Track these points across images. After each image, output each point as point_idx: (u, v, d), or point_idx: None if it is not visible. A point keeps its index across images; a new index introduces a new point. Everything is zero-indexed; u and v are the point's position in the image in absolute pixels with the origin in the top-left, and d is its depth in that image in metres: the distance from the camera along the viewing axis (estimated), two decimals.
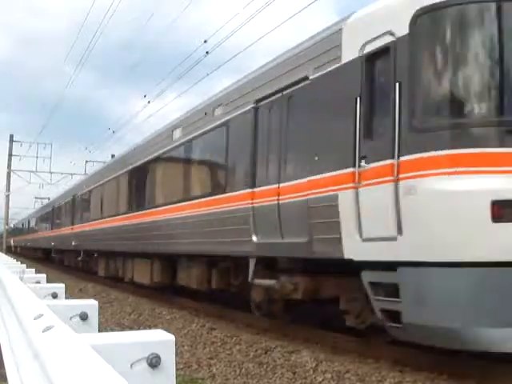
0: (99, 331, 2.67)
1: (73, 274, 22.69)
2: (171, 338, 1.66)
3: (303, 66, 6.69)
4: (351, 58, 5.81)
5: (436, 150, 4.87)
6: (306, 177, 6.35)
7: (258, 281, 7.35)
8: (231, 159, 8.48)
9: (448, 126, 5.04)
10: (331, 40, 6.27)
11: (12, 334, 3.02)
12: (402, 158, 5.02)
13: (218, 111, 8.98)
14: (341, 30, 6.13)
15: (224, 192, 8.35)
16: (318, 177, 6.12)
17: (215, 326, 8.88)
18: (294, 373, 5.96)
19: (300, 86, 6.75)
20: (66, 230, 22.00)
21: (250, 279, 7.43)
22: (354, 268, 5.60)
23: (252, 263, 7.37)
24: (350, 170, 5.59)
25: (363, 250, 5.46)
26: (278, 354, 6.68)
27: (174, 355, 1.64)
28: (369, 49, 5.60)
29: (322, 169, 6.07)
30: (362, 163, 5.44)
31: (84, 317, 2.62)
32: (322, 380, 5.67)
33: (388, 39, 5.35)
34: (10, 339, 3.09)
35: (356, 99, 5.59)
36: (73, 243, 19.93)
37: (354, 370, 5.78)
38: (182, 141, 10.38)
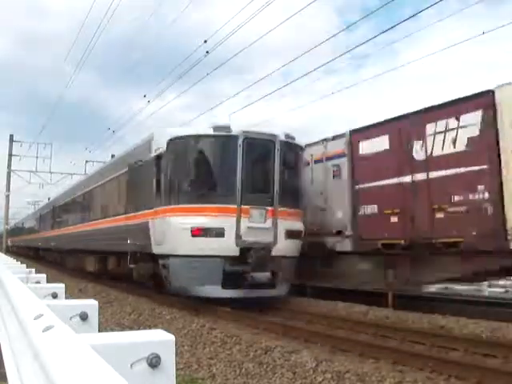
0: (99, 331, 2.66)
1: (73, 274, 22.71)
2: (171, 337, 1.66)
3: (142, 154, 12.26)
4: (152, 155, 11.36)
5: (171, 204, 10.50)
6: (140, 211, 11.96)
7: (131, 265, 12.60)
8: (120, 197, 14.35)
9: (174, 195, 10.58)
10: (148, 144, 11.87)
11: (12, 334, 3.02)
12: (163, 207, 10.61)
13: (113, 170, 15.62)
14: (150, 140, 11.76)
15: (115, 215, 14.37)
16: (143, 212, 11.73)
17: (215, 326, 8.88)
18: (294, 373, 5.96)
19: (139, 163, 12.49)
20: (47, 234, 27.96)
21: (128, 264, 12.62)
22: (157, 257, 11.01)
23: (129, 256, 12.55)
24: (150, 210, 11.17)
25: (157, 248, 10.81)
26: (278, 354, 6.68)
27: (174, 355, 1.64)
28: (157, 152, 11.09)
29: (144, 208, 11.62)
30: (154, 208, 11.02)
31: (84, 317, 2.61)
32: (322, 380, 5.67)
33: (162, 150, 10.83)
34: (10, 339, 3.09)
35: (153, 176, 11.14)
36: (52, 244, 25.81)
37: (354, 370, 5.78)
38: (101, 182, 16.97)
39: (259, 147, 10.48)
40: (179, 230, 9.97)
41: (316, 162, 12.79)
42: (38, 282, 4.74)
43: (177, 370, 1.68)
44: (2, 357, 3.12)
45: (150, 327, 9.06)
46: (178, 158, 10.70)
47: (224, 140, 10.36)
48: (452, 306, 10.04)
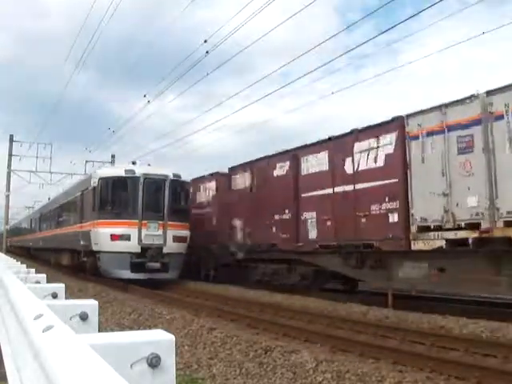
0: (99, 331, 2.66)
1: (73, 274, 22.71)
2: (171, 337, 1.66)
3: (87, 184, 17.83)
4: (91, 187, 16.92)
5: (100, 219, 15.95)
6: (87, 222, 17.04)
7: (84, 259, 17.74)
8: (76, 211, 19.61)
9: (102, 213, 16.06)
10: (90, 179, 17.55)
11: (12, 334, 3.02)
12: (97, 221, 16.06)
13: (72, 193, 21.35)
14: (91, 176, 17.54)
15: (73, 224, 19.77)
16: (87, 223, 16.93)
17: (215, 325, 8.87)
18: (294, 373, 5.95)
19: (85, 191, 17.98)
20: (35, 236, 33.51)
21: (82, 259, 17.99)
22: (94, 253, 16.45)
23: (82, 253, 17.88)
24: (91, 222, 16.48)
25: (95, 247, 16.04)
26: (278, 354, 6.67)
27: (174, 355, 1.64)
28: (93, 185, 16.65)
29: (88, 220, 16.78)
30: (92, 221, 16.29)
31: (84, 317, 2.61)
32: (322, 380, 5.67)
33: (95, 184, 16.46)
34: (10, 339, 3.09)
35: (92, 200, 16.64)
36: (39, 244, 30.71)
37: (354, 370, 5.78)
38: (66, 200, 22.65)
39: (154, 183, 16.26)
40: (104, 236, 15.73)
41: (429, 134, 10.42)
42: (37, 282, 4.74)
43: (177, 369, 1.68)
44: (2, 357, 3.12)
45: (150, 327, 9.05)
46: (104, 190, 16.37)
47: (131, 179, 16.11)
48: (452, 306, 10.06)
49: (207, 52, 16.30)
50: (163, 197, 16.09)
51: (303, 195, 13.73)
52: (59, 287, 3.85)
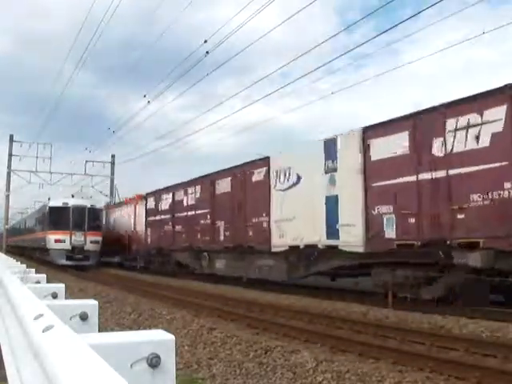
0: (99, 331, 2.66)
1: (73, 274, 22.72)
2: (171, 337, 1.66)
3: (44, 209, 29.31)
4: (46, 211, 28.03)
5: (50, 230, 26.71)
6: (44, 231, 27.62)
7: (45, 254, 27.45)
8: (39, 225, 30.56)
9: (50, 226, 27.00)
10: (45, 206, 29.70)
11: (12, 334, 3.02)
12: (48, 231, 26.83)
13: (36, 213, 34.75)
14: (46, 204, 29.22)
15: (37, 232, 30.76)
16: (45, 232, 27.36)
17: (215, 325, 8.88)
18: (294, 373, 5.95)
19: (43, 212, 29.39)
20: (20, 237, 41.89)
21: (45, 253, 27.47)
22: (48, 249, 27.30)
23: (45, 250, 27.42)
24: (46, 231, 27.16)
25: (48, 246, 26.56)
26: (278, 354, 6.67)
27: (174, 355, 1.64)
28: (46, 210, 27.80)
29: (45, 230, 27.36)
30: (46, 231, 27.35)
31: (84, 317, 2.61)
32: (322, 380, 5.67)
33: (47, 210, 27.76)
34: (10, 339, 3.09)
35: (47, 219, 27.39)
36: (24, 243, 38.86)
37: (354, 370, 5.78)
38: (35, 217, 34.21)
39: (80, 209, 26.42)
40: (51, 240, 26.04)
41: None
42: (37, 282, 4.73)
43: (177, 369, 1.68)
44: (2, 357, 3.11)
45: (150, 327, 9.04)
46: (51, 214, 26.78)
47: (65, 208, 26.36)
48: (452, 305, 10.05)
49: (207, 52, 16.34)
50: (84, 217, 26.61)
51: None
52: (59, 287, 3.84)
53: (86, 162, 42.91)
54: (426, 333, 7.88)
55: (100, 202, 33.34)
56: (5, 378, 2.69)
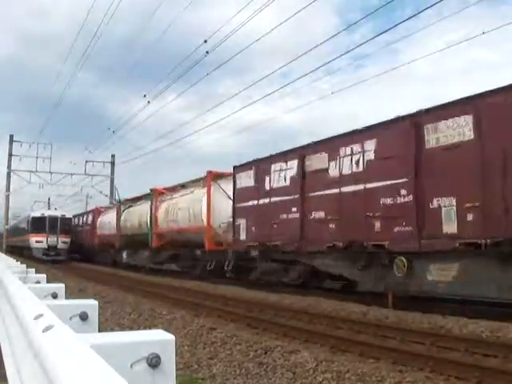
0: (99, 331, 2.66)
1: (73, 274, 22.73)
2: (171, 337, 1.66)
3: (27, 219, 39.37)
4: (30, 219, 37.66)
5: (32, 233, 36.50)
6: (27, 234, 37.42)
7: (30, 251, 36.18)
8: (24, 230, 39.96)
9: (32, 230, 36.74)
10: (28, 216, 40.25)
11: (12, 334, 3.02)
12: (30, 234, 36.86)
13: (22, 222, 44.29)
14: (30, 214, 39.96)
15: (24, 235, 39.22)
16: (29, 235, 36.73)
17: (215, 326, 8.88)
18: (294, 373, 5.95)
19: (28, 220, 39.19)
20: (13, 239, 46.04)
21: (29, 250, 36.53)
22: (31, 247, 36.91)
23: (29, 248, 36.92)
24: (30, 234, 36.78)
25: (31, 245, 36.40)
26: (278, 354, 6.67)
27: (174, 355, 1.64)
28: (29, 219, 38.60)
29: (29, 233, 36.77)
30: (30, 234, 37.12)
31: (84, 317, 2.61)
32: (322, 380, 5.67)
33: (30, 219, 37.96)
34: (10, 339, 3.09)
35: (30, 226, 37.12)
36: (16, 243, 44.13)
37: (354, 370, 5.78)
38: (22, 224, 43.46)
39: (53, 218, 35.92)
40: (33, 241, 35.60)
41: None
42: (37, 282, 4.73)
43: (177, 369, 1.68)
44: (2, 357, 3.11)
45: (149, 327, 9.05)
46: (34, 222, 35.87)
47: (43, 218, 35.87)
48: (452, 306, 10.05)
49: (207, 52, 16.36)
50: (57, 224, 35.46)
51: None
52: (59, 287, 3.84)
53: (86, 162, 43.11)
54: (426, 333, 7.87)
55: (74, 211, 44.93)
56: (5, 378, 2.70)
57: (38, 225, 34.96)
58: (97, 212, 35.41)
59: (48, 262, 31.23)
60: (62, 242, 35.42)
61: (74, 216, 40.90)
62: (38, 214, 37.22)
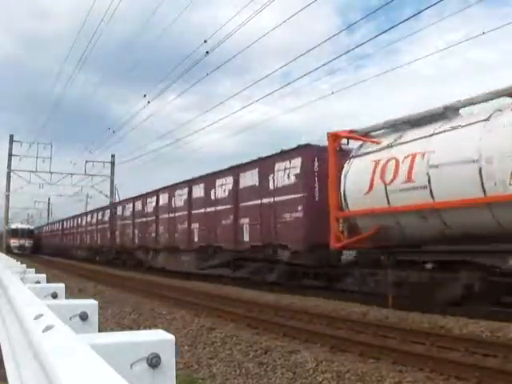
0: (99, 331, 2.66)
1: (73, 274, 22.74)
2: (171, 337, 1.65)
3: (10, 228, 56.88)
4: (10, 229, 54.96)
5: (12, 239, 55.14)
6: (10, 238, 54.49)
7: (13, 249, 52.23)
8: (13, 236, 56.72)
9: (11, 236, 55.13)
10: (10, 228, 56.17)
11: (12, 334, 3.02)
12: (10, 239, 54.67)
13: (11, 230, 57.76)
14: (10, 227, 56.89)
15: (15, 237, 56.53)
16: (9, 239, 53.48)
17: (215, 326, 8.88)
18: (294, 373, 5.95)
19: (14, 229, 58.94)
20: (12, 239, 56.93)
21: (9, 248, 50.59)
22: (13, 245, 55.95)
23: (8, 246, 51.60)
24: (9, 239, 53.90)
25: (11, 245, 54.37)
26: (278, 354, 6.67)
27: (175, 355, 1.64)
28: (13, 228, 59.45)
29: (9, 238, 53.78)
30: (11, 238, 55.84)
31: (84, 317, 2.60)
32: (322, 380, 5.67)
33: (10, 229, 54.89)
34: (10, 339, 3.09)
35: (12, 233, 56.26)
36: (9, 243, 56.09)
37: (354, 370, 5.78)
38: (8, 230, 56.34)
39: (25, 230, 59.86)
40: (11, 242, 53.51)
41: None
42: (37, 282, 4.73)
43: (177, 369, 1.68)
44: (2, 357, 3.11)
45: (150, 327, 9.05)
46: (11, 231, 53.85)
47: (16, 229, 56.74)
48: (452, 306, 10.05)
49: (207, 52, 16.41)
50: (25, 233, 57.91)
51: None
52: (59, 287, 3.84)
53: (86, 162, 43.30)
54: (426, 333, 7.87)
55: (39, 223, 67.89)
56: (5, 378, 2.69)
57: (14, 233, 55.44)
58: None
59: (23, 255, 46.15)
60: (27, 242, 57.55)
61: (36, 228, 67.43)
62: (14, 226, 56.98)
